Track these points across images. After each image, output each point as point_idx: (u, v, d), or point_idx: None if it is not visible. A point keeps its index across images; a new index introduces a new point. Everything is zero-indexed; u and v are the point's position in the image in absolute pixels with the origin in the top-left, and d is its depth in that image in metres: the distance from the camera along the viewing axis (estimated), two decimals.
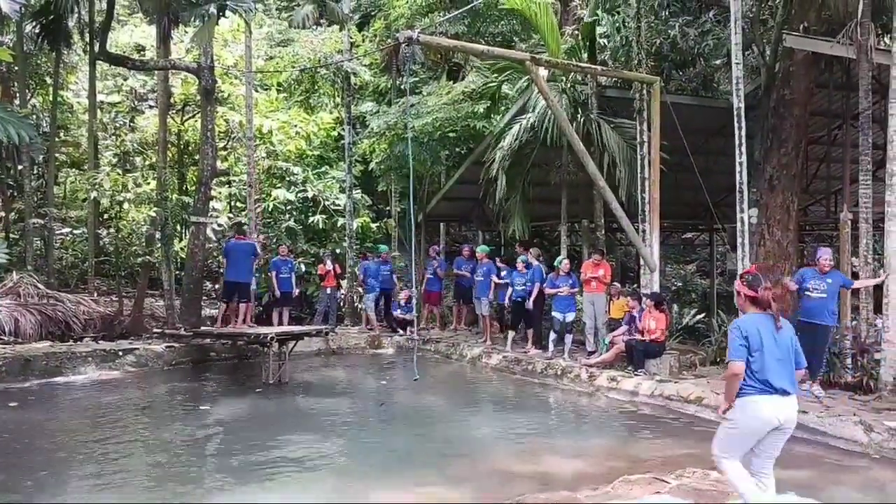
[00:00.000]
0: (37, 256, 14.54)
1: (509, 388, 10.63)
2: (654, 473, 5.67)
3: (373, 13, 19.93)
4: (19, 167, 15.21)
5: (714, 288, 17.98)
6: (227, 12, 11.93)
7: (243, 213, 16.08)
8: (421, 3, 17.72)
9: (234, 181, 17.55)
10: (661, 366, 10.08)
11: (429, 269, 15.20)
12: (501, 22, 18.24)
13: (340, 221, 16.69)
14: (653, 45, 13.04)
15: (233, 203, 17.78)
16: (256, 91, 17.67)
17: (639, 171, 11.72)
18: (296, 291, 13.89)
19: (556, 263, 11.87)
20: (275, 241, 15.61)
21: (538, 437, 7.79)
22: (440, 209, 18.11)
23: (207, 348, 12.26)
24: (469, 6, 15.76)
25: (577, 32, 15.24)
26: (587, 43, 13.13)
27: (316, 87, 20.05)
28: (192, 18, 12.32)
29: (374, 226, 18.05)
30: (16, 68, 15.22)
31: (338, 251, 16.17)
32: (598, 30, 13.36)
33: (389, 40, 17.36)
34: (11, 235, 15.23)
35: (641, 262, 12.06)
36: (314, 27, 19.54)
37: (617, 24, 13.14)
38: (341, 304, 15.74)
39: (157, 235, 13.34)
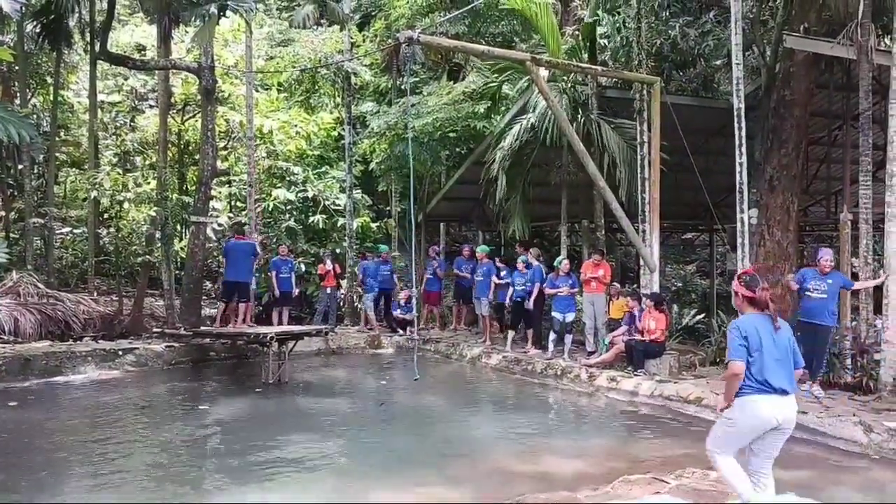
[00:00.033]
0: (37, 256, 14.53)
1: (509, 389, 10.63)
2: (654, 473, 5.67)
3: (373, 13, 19.95)
4: (20, 166, 15.20)
5: (714, 288, 17.98)
6: (228, 12, 11.94)
7: (243, 212, 16.08)
8: (421, 3, 17.73)
9: (235, 181, 17.56)
10: (660, 366, 10.09)
11: (428, 270, 15.21)
12: (502, 22, 18.24)
13: (340, 221, 16.69)
14: (653, 45, 13.04)
15: (233, 203, 17.78)
16: (257, 91, 17.67)
17: (639, 171, 11.73)
18: (296, 291, 13.89)
19: (555, 264, 11.87)
20: (275, 240, 15.61)
21: (538, 438, 7.79)
22: (440, 209, 18.12)
23: (207, 348, 12.26)
24: (469, 6, 15.76)
25: (577, 33, 15.24)
26: (587, 43, 13.13)
27: (316, 87, 20.06)
28: (193, 18, 12.34)
29: (374, 226, 18.05)
30: (16, 68, 15.23)
31: (338, 251, 16.17)
32: (599, 30, 13.36)
33: (390, 40, 17.37)
34: (11, 235, 15.22)
35: (641, 262, 12.06)
36: (315, 27, 19.55)
37: (617, 25, 13.14)
38: (341, 303, 15.74)
39: (158, 235, 13.34)
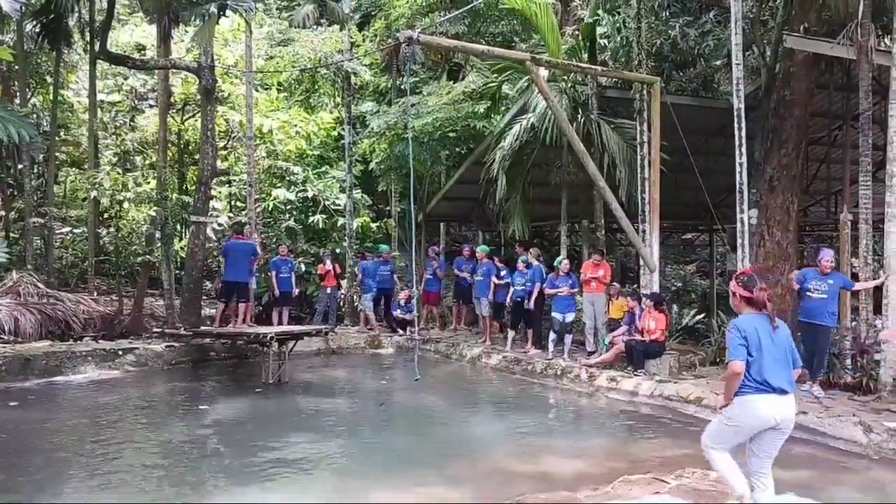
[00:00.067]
0: (37, 255, 14.53)
1: (509, 389, 10.63)
2: (654, 473, 5.68)
3: (373, 13, 19.94)
4: (19, 166, 15.20)
5: (714, 288, 17.98)
6: (228, 12, 11.94)
7: (243, 212, 16.07)
8: (421, 3, 17.73)
9: (235, 181, 17.55)
10: (660, 366, 10.09)
11: (428, 270, 15.21)
12: (502, 22, 18.24)
13: (340, 221, 16.69)
14: (653, 45, 13.04)
15: (233, 203, 17.78)
16: (257, 90, 17.67)
17: (639, 171, 11.73)
18: (295, 291, 13.89)
19: (555, 264, 11.87)
20: (275, 240, 15.61)
21: (538, 438, 7.79)
22: (440, 209, 18.12)
23: (207, 348, 12.26)
24: (469, 6, 15.76)
25: (577, 33, 15.25)
26: (587, 43, 13.13)
27: (316, 87, 20.06)
28: (193, 18, 12.33)
29: (374, 226, 18.05)
30: (16, 67, 15.22)
31: (338, 251, 16.17)
32: (599, 30, 13.36)
33: (390, 40, 17.37)
34: (11, 234, 15.22)
35: (641, 262, 12.06)
36: (314, 27, 19.55)
37: (617, 25, 13.14)
38: (341, 303, 15.74)
39: (157, 235, 13.34)
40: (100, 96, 16.13)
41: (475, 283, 13.58)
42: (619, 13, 13.13)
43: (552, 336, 11.53)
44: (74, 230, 15.97)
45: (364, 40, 19.06)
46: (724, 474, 4.56)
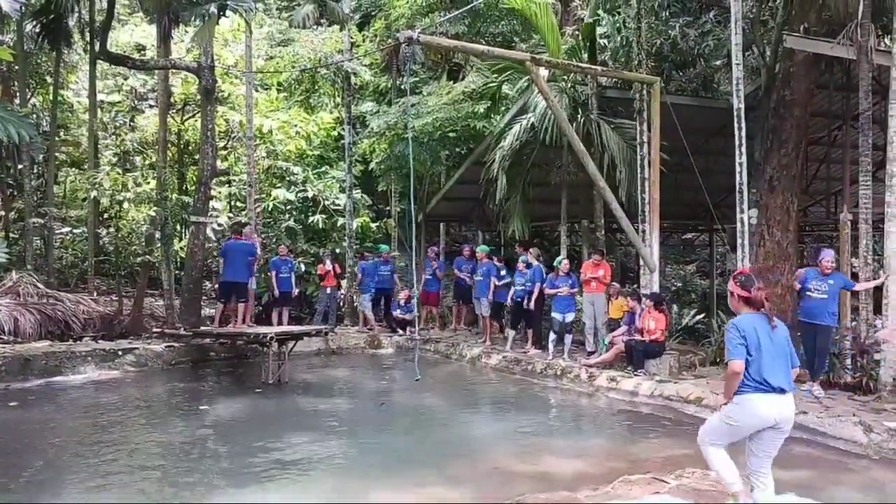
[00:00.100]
0: (36, 256, 14.53)
1: (509, 389, 10.62)
2: (654, 473, 5.67)
3: (373, 13, 19.94)
4: (19, 166, 15.21)
5: (714, 288, 17.98)
6: (228, 12, 11.95)
7: (243, 212, 16.08)
8: (421, 3, 17.73)
9: (234, 181, 17.55)
10: (660, 366, 10.09)
11: (427, 270, 15.20)
12: (502, 22, 18.25)
13: (340, 221, 16.69)
14: (653, 45, 13.05)
15: (233, 203, 17.78)
16: (256, 91, 17.67)
17: (639, 171, 11.73)
18: (295, 291, 13.88)
19: (555, 264, 11.86)
20: (274, 240, 15.61)
21: (538, 438, 7.78)
22: (440, 209, 18.12)
23: (207, 348, 12.26)
24: (469, 6, 15.76)
25: (577, 33, 15.25)
26: (587, 43, 13.13)
27: (316, 87, 20.06)
28: (193, 18, 12.34)
29: (373, 226, 18.06)
30: (16, 67, 15.22)
31: (337, 251, 16.17)
32: (599, 30, 13.37)
33: (390, 40, 17.36)
34: (11, 235, 15.23)
35: (641, 262, 12.06)
36: (314, 27, 19.54)
37: (617, 25, 13.15)
38: (341, 304, 15.74)
39: (157, 235, 13.34)
40: (100, 96, 16.13)
41: (475, 283, 13.58)
42: (619, 13, 13.14)
43: (552, 336, 11.52)
44: (74, 230, 15.98)
45: (364, 40, 19.06)
46: (717, 468, 4.59)
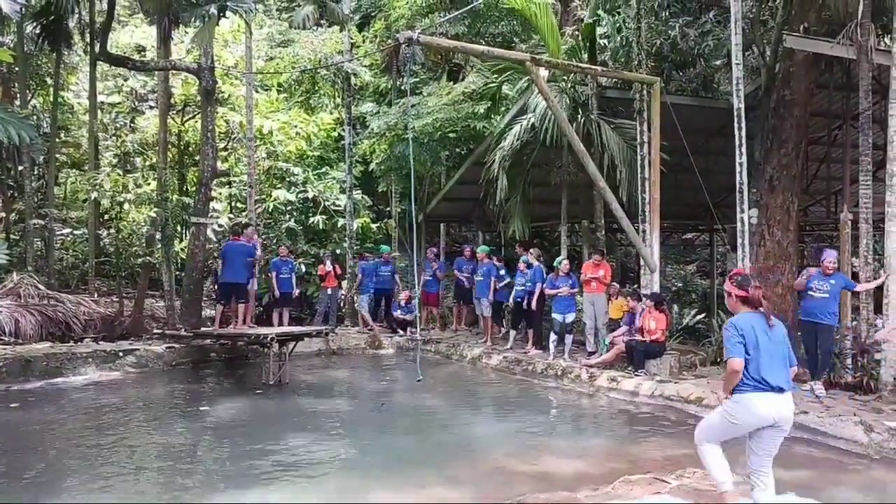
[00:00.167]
0: (37, 257, 14.54)
1: (510, 389, 10.62)
2: (655, 474, 5.67)
3: (373, 14, 19.95)
4: (20, 168, 15.21)
5: (714, 288, 17.96)
6: (228, 13, 11.97)
7: (244, 213, 16.09)
8: (421, 3, 17.74)
9: (235, 182, 17.56)
10: (661, 366, 10.08)
11: (427, 271, 15.20)
12: (502, 22, 18.25)
13: (341, 222, 16.70)
14: (653, 45, 13.04)
15: (233, 204, 17.79)
16: (257, 92, 17.68)
17: (639, 171, 11.73)
18: (296, 292, 13.89)
19: (555, 264, 11.86)
20: (275, 241, 15.62)
21: (538, 438, 7.78)
22: (440, 210, 18.12)
23: (208, 349, 12.26)
24: (469, 7, 15.77)
25: (577, 33, 15.25)
26: (587, 43, 13.13)
27: (316, 88, 20.07)
28: (193, 19, 12.34)
29: (374, 226, 18.07)
30: (16, 69, 15.23)
31: (338, 252, 16.18)
32: (599, 30, 13.37)
33: (390, 41, 17.37)
34: (12, 236, 15.24)
35: (642, 262, 12.06)
36: (314, 28, 19.56)
37: (617, 25, 13.15)
38: (341, 304, 15.75)
39: (158, 236, 13.35)
40: (100, 98, 16.14)
41: (475, 283, 13.58)
42: (618, 13, 13.14)
43: (553, 337, 11.52)
44: (75, 231, 15.99)
45: (364, 41, 19.07)
46: (710, 466, 4.60)
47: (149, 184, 14.35)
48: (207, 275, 14.13)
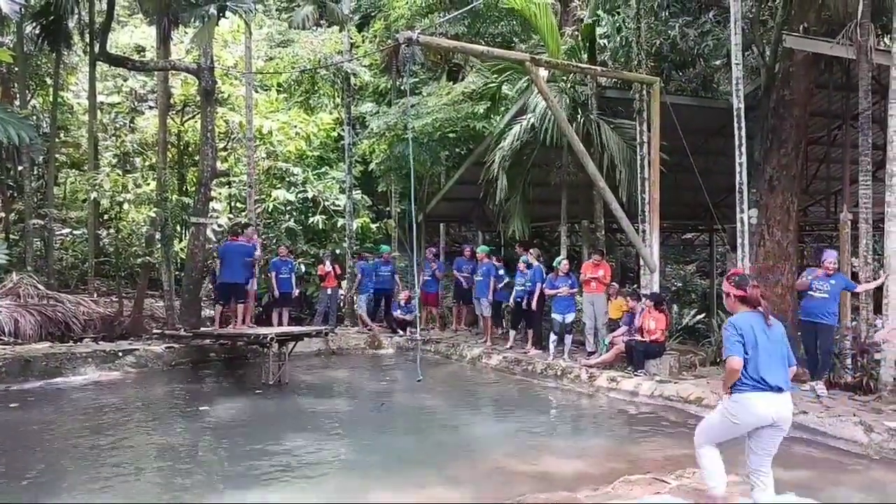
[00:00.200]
0: (37, 257, 14.53)
1: (509, 389, 10.62)
2: (655, 474, 5.67)
3: (373, 14, 19.94)
4: (19, 168, 15.21)
5: (714, 288, 17.94)
6: (227, 13, 11.95)
7: (243, 213, 16.08)
8: (421, 3, 17.73)
9: (234, 182, 17.56)
10: (660, 366, 10.08)
11: (426, 271, 15.19)
12: (501, 23, 18.25)
13: (340, 222, 16.70)
14: (653, 45, 13.05)
15: (233, 204, 17.78)
16: (256, 92, 17.67)
17: (639, 171, 11.73)
18: (295, 292, 13.89)
19: (554, 264, 11.86)
20: (274, 241, 15.62)
21: (538, 438, 7.78)
22: (440, 210, 18.12)
23: (207, 349, 12.26)
24: (469, 7, 15.76)
25: (576, 33, 15.25)
26: (587, 43, 13.13)
27: (316, 88, 20.06)
28: (192, 19, 12.34)
29: (373, 226, 18.06)
30: (16, 69, 15.22)
31: (337, 252, 16.17)
32: (598, 30, 13.38)
33: (389, 41, 17.36)
34: (11, 236, 15.23)
35: (641, 262, 12.06)
36: (314, 28, 19.54)
37: (617, 25, 13.16)
38: (341, 304, 15.75)
39: (157, 236, 13.34)
40: (99, 98, 16.13)
41: (475, 283, 13.58)
42: (618, 13, 13.15)
43: (552, 337, 11.52)
44: (74, 231, 15.98)
45: (364, 41, 19.06)
46: (706, 468, 4.60)
47: (148, 184, 14.34)
48: (206, 275, 14.12)
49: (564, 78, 13.24)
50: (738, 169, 9.72)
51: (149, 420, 8.54)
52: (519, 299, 12.19)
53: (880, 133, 9.89)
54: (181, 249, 14.84)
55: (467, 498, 5.75)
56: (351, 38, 17.38)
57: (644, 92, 11.57)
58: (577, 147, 10.55)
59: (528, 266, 12.11)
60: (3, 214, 15.53)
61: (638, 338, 10.33)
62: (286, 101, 19.63)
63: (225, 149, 17.52)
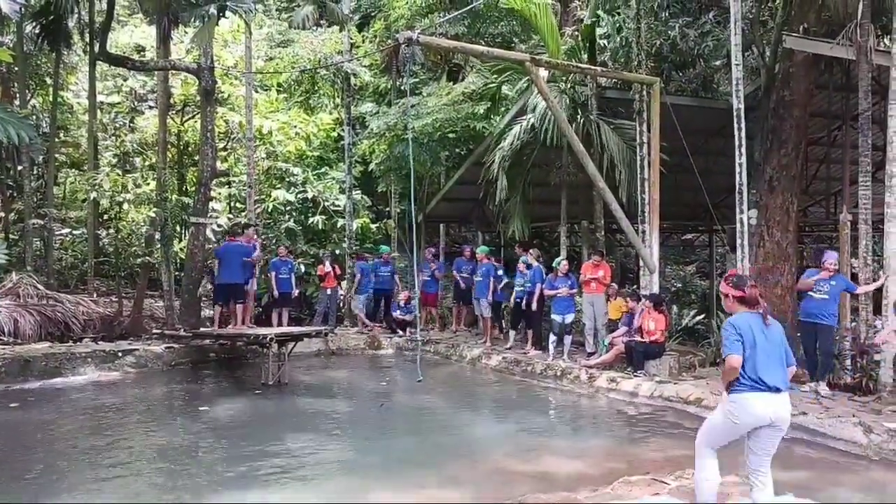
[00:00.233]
0: (36, 257, 14.53)
1: (509, 389, 10.62)
2: (654, 474, 5.67)
3: (373, 14, 19.94)
4: (19, 168, 15.21)
5: (714, 289, 17.93)
6: (227, 13, 11.95)
7: (243, 213, 16.08)
8: (421, 3, 17.73)
9: (234, 182, 17.56)
10: (660, 367, 10.08)
11: (425, 272, 15.19)
12: (501, 23, 18.24)
13: (340, 222, 16.70)
14: (653, 46, 13.05)
15: (232, 204, 17.78)
16: (256, 92, 17.67)
17: (638, 172, 11.73)
18: (295, 292, 13.89)
19: (554, 265, 11.86)
20: (274, 241, 15.62)
21: (538, 438, 7.79)
22: (440, 210, 18.12)
23: (207, 349, 12.26)
24: (469, 7, 15.76)
25: (576, 33, 15.25)
26: (587, 44, 13.14)
27: (316, 88, 20.06)
28: (192, 19, 12.33)
29: (373, 227, 18.06)
30: (16, 69, 15.22)
31: (337, 252, 16.17)
32: (598, 31, 13.36)
33: (389, 41, 17.35)
34: (11, 236, 15.23)
35: (641, 263, 12.06)
36: (314, 28, 19.54)
37: (617, 25, 13.15)
38: (341, 305, 15.74)
39: (157, 236, 13.34)
40: (99, 97, 16.13)
41: (475, 283, 13.58)
42: (618, 14, 13.14)
43: (552, 337, 11.52)
44: (74, 231, 15.98)
45: (364, 41, 19.06)
46: (702, 476, 4.56)
47: (148, 184, 14.34)
48: (206, 275, 14.12)
49: (564, 78, 13.24)
50: (737, 169, 9.72)
51: (148, 420, 8.54)
52: (518, 300, 12.19)
53: (880, 134, 9.90)
54: (181, 249, 14.84)
55: (467, 498, 5.75)
56: (351, 38, 17.39)
57: (644, 92, 11.57)
58: (577, 147, 10.55)
59: (528, 266, 12.10)
60: (2, 214, 15.53)
61: (637, 338, 10.33)
62: (286, 101, 19.63)
63: (225, 149, 17.52)
